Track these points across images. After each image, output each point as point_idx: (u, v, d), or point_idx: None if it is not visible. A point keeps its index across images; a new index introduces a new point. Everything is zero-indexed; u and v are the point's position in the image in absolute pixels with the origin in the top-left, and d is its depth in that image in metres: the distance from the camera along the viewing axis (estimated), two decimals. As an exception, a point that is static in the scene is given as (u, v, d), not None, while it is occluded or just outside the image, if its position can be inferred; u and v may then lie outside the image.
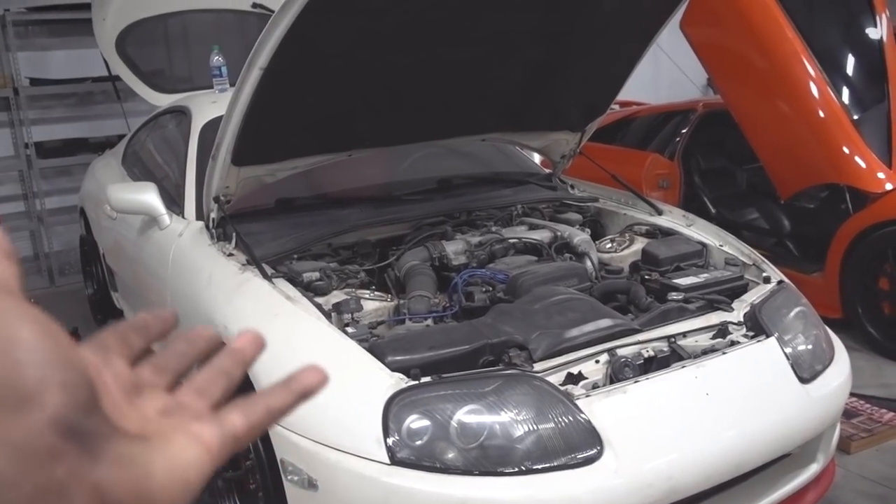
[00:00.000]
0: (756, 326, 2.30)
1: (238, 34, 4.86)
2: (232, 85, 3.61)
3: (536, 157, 3.84)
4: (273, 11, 4.68)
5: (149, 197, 2.99)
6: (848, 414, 3.21)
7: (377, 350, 2.02)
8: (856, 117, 3.91)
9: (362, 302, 2.33)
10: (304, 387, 0.49)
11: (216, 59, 3.66)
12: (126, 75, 4.37)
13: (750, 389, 2.11)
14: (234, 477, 2.49)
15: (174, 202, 3.09)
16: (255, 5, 4.93)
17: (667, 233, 2.93)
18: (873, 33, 4.05)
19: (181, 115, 3.59)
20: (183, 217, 2.99)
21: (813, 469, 2.28)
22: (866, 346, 3.92)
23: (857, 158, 3.84)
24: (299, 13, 2.06)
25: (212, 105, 3.44)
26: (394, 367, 1.96)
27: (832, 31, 4.18)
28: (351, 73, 2.44)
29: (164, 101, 4.18)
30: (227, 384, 0.47)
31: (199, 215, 2.90)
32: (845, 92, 3.99)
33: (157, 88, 4.39)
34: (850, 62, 4.11)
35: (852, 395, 3.28)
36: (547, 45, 2.71)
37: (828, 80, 3.89)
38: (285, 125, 2.53)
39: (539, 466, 1.81)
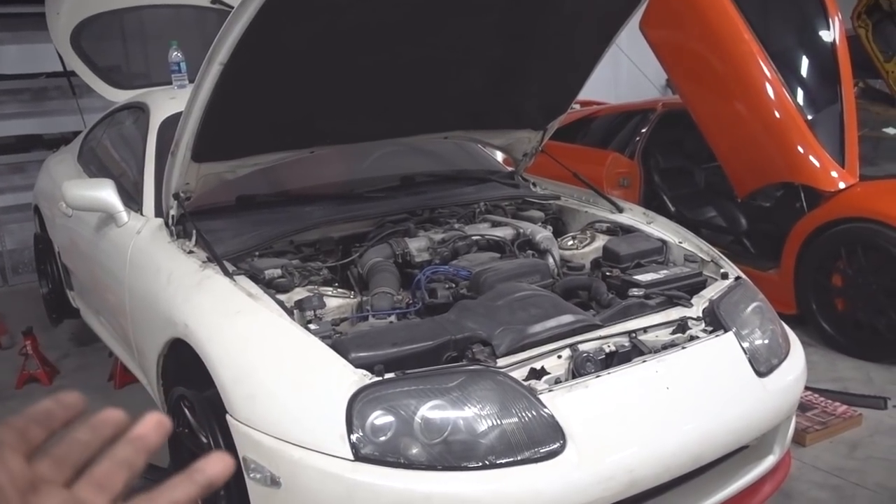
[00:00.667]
0: (714, 321, 2.34)
1: (197, 30, 4.80)
2: (191, 81, 3.57)
3: (499, 156, 3.85)
4: (232, 7, 4.65)
5: (106, 194, 2.94)
6: (803, 407, 3.28)
7: (340, 347, 2.01)
8: (810, 118, 4.00)
9: (325, 299, 2.32)
10: (208, 477, 0.47)
11: (175, 55, 3.61)
12: (82, 71, 4.29)
13: (709, 383, 2.15)
14: (195, 476, 2.47)
15: (132, 199, 3.04)
16: (214, 1, 4.87)
17: (627, 230, 2.96)
18: (826, 36, 4.14)
19: (139, 111, 3.53)
20: (141, 214, 2.94)
21: (769, 461, 2.33)
22: (820, 342, 4.01)
23: (812, 158, 3.93)
24: (259, 9, 2.04)
25: (170, 101, 3.40)
26: (357, 364, 1.95)
27: (787, 34, 4.27)
28: (312, 70, 2.43)
29: (120, 97, 4.11)
30: (128, 475, 0.45)
31: (159, 212, 2.86)
32: (800, 93, 4.08)
33: (113, 84, 4.31)
34: (805, 64, 4.21)
35: (807, 388, 3.36)
36: (508, 45, 2.72)
37: (783, 82, 3.97)
38: (246, 121, 2.50)
39: (503, 461, 1.82)
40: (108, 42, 4.66)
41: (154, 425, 0.47)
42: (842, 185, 3.89)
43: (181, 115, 3.12)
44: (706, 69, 4.22)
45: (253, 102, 2.43)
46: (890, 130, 4.75)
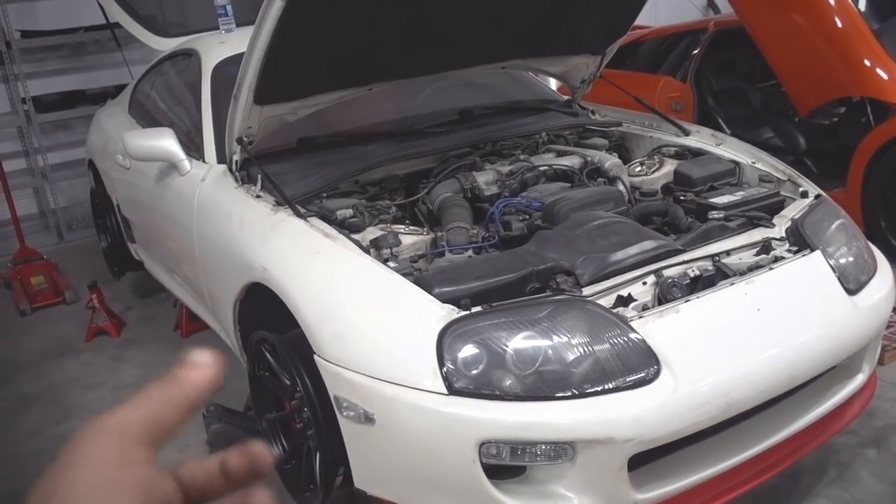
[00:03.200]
0: (799, 241, 2.28)
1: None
2: (243, 24, 3.52)
3: (552, 84, 3.76)
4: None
5: (167, 142, 2.93)
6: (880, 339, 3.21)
7: (424, 283, 2.00)
8: (876, 27, 3.82)
9: (399, 236, 2.30)
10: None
11: (220, -1, 3.54)
12: (126, 21, 4.24)
13: (799, 303, 2.10)
14: (279, 418, 2.50)
15: (191, 147, 3.03)
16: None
17: (696, 153, 2.88)
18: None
19: (188, 58, 3.49)
20: (203, 161, 2.93)
21: (859, 379, 2.29)
22: (890, 259, 3.89)
23: (879, 70, 3.77)
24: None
25: (220, 45, 3.36)
26: (443, 299, 1.94)
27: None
28: (370, 5, 2.36)
29: (165, 45, 4.06)
30: None
31: (220, 158, 2.85)
32: (863, 0, 3.90)
33: (157, 33, 4.26)
34: (869, -31, 4.01)
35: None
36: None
37: (845, -12, 3.80)
38: (306, 60, 2.46)
39: (598, 388, 1.81)
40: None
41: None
42: (912, 97, 3.74)
43: (234, 58, 3.12)
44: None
45: (313, 40, 2.38)
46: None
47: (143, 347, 4.04)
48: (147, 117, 3.80)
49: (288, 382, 2.32)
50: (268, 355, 2.42)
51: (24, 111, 5.88)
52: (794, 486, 2.46)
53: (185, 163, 2.94)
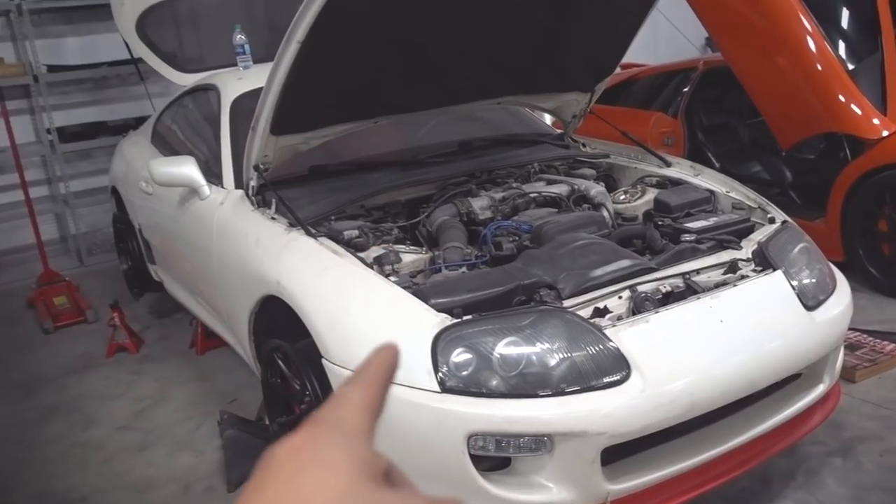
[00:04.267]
0: (763, 262, 2.51)
1: (245, 13, 5.00)
2: (258, 61, 3.81)
3: (547, 119, 4.02)
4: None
5: (189, 169, 3.19)
6: (852, 347, 3.43)
7: (421, 294, 2.23)
8: (851, 68, 4.08)
9: (400, 255, 2.54)
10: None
11: (239, 38, 3.83)
12: (149, 57, 4.54)
13: (760, 317, 2.32)
14: (288, 421, 2.72)
15: (211, 174, 3.29)
16: (266, -16, 5.08)
17: (676, 182, 3.12)
18: (865, -14, 4.21)
19: (209, 92, 3.77)
20: (222, 187, 3.18)
21: (820, 389, 2.50)
22: (868, 286, 4.12)
23: (854, 107, 4.02)
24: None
25: (238, 81, 3.63)
26: (438, 309, 2.17)
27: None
28: (378, 44, 2.63)
29: (186, 80, 4.35)
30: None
31: (238, 184, 3.10)
32: (840, 44, 4.16)
33: (178, 68, 4.56)
34: (844, 15, 4.28)
35: (856, 329, 3.51)
36: (555, 9, 2.89)
37: (823, 34, 4.05)
38: (319, 95, 2.72)
39: (574, 388, 2.03)
40: (166, 29, 4.90)
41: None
42: (885, 133, 3.98)
43: (251, 93, 3.39)
44: (746, 25, 4.31)
45: (326, 77, 2.64)
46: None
47: (160, 363, 4.27)
48: (169, 147, 4.08)
49: (298, 387, 2.55)
50: (280, 363, 2.65)
51: (48, 141, 6.17)
52: (764, 489, 2.66)
53: (206, 188, 3.20)
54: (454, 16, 2.64)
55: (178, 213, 3.47)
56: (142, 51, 4.58)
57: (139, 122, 5.96)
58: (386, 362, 0.50)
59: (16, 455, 3.48)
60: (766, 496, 2.65)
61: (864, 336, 3.56)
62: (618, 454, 2.14)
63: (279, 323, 2.65)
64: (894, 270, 4.03)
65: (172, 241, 3.72)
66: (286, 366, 2.63)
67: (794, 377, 2.48)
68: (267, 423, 3.04)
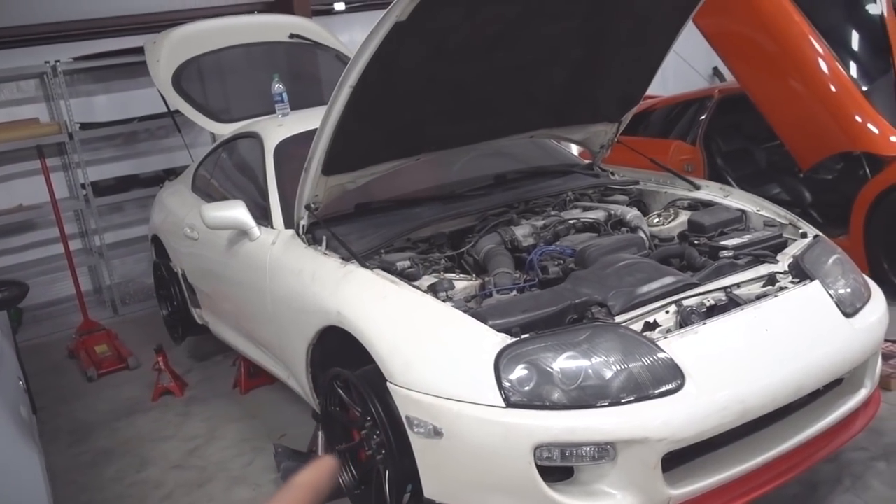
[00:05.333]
0: (800, 274, 2.63)
1: (262, 65, 5.20)
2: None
3: (574, 150, 4.18)
4: (310, 40, 5.06)
5: (240, 213, 3.34)
6: (885, 356, 3.50)
7: (479, 316, 2.35)
8: (865, 88, 4.23)
9: (453, 282, 2.67)
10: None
11: (277, 87, 4.01)
12: (186, 110, 4.73)
13: (802, 324, 2.43)
14: (348, 448, 2.83)
15: (260, 216, 3.43)
16: (292, 36, 5.30)
17: (707, 204, 3.25)
18: (874, 9, 4.37)
19: (251, 139, 3.94)
20: (272, 227, 3.33)
21: (862, 394, 2.59)
22: (894, 298, 4.20)
23: (870, 125, 4.16)
24: (384, 37, 2.41)
25: (279, 128, 3.80)
26: (497, 329, 2.29)
27: (835, 11, 4.50)
28: (423, 86, 2.79)
29: (225, 129, 4.53)
30: None
31: (288, 224, 3.25)
32: (852, 66, 4.31)
33: (214, 119, 4.75)
34: (855, 38, 4.44)
35: (887, 340, 3.58)
36: (587, 45, 3.05)
37: (836, 56, 4.21)
38: (367, 136, 2.87)
39: (632, 398, 2.14)
40: (200, 82, 5.11)
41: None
42: (902, 149, 4.11)
43: (292, 138, 3.56)
44: (760, 52, 4.47)
45: (374, 119, 2.80)
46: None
47: (206, 403, 4.39)
48: (212, 193, 4.24)
49: (359, 413, 2.66)
50: (339, 390, 2.77)
51: (83, 196, 6.37)
52: (811, 494, 2.74)
53: (256, 230, 3.35)
54: (494, 56, 2.80)
55: (227, 256, 3.61)
56: (179, 104, 4.77)
57: (169, 173, 6.17)
58: (321, 472, 0.59)
59: (75, 496, 3.59)
60: (815, 500, 2.72)
61: (895, 346, 3.64)
62: (676, 461, 2.23)
63: (337, 354, 2.77)
64: (919, 282, 4.13)
65: (220, 283, 3.86)
66: (346, 393, 2.74)
67: (837, 383, 2.58)
68: (319, 454, 3.15)
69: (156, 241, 4.96)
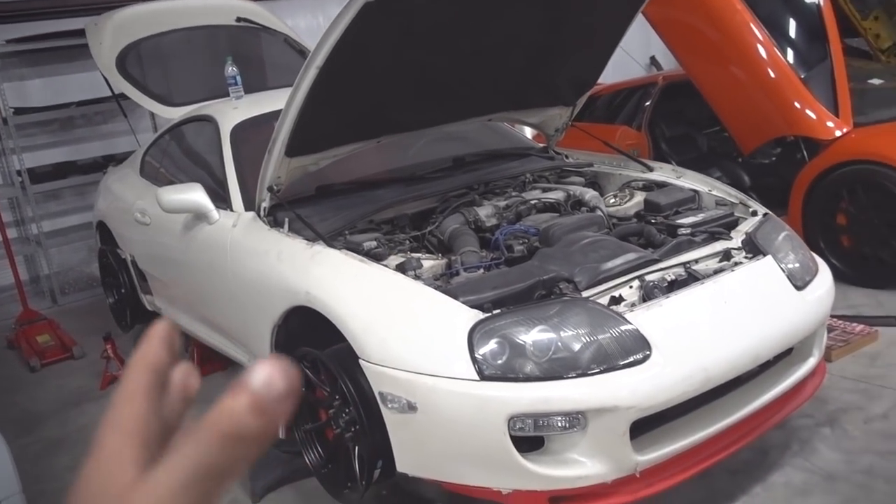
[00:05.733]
0: (753, 249, 2.75)
1: (208, 48, 5.12)
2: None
3: (527, 132, 4.25)
4: (257, 24, 5.00)
5: (198, 195, 3.30)
6: (828, 330, 3.68)
7: (450, 293, 2.39)
8: (803, 75, 4.41)
9: (420, 261, 2.70)
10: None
11: (231, 70, 3.96)
12: (133, 93, 4.62)
13: (758, 297, 2.55)
14: (315, 428, 2.84)
15: (218, 199, 3.39)
16: (239, 19, 5.23)
17: (661, 185, 3.36)
18: (811, -1, 4.56)
19: (205, 123, 3.88)
20: (230, 210, 3.30)
21: (810, 362, 2.73)
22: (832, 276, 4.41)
23: (808, 111, 4.34)
24: (353, 17, 2.41)
25: (234, 111, 3.76)
26: (468, 305, 2.34)
27: (775, 0, 4.68)
28: (389, 68, 2.81)
29: (174, 113, 4.45)
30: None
31: (248, 207, 3.23)
32: (791, 53, 4.49)
33: (162, 103, 4.65)
34: (794, 26, 4.62)
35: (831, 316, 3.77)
36: (545, 30, 3.11)
37: (775, 44, 4.38)
38: (331, 118, 2.87)
39: (601, 368, 2.21)
40: (145, 65, 5.00)
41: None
42: (838, 133, 4.30)
43: (248, 121, 3.53)
44: (704, 40, 4.62)
45: (339, 100, 2.80)
46: (875, 81, 5.17)
47: (159, 391, 4.32)
48: (163, 178, 4.16)
49: (326, 392, 2.68)
50: (306, 371, 2.78)
51: (19, 183, 6.16)
52: (762, 459, 2.88)
53: (215, 213, 3.31)
54: (460, 39, 2.83)
55: (183, 241, 3.57)
56: (125, 87, 4.66)
57: (108, 159, 6.03)
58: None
59: (28, 486, 3.49)
60: (766, 465, 2.86)
61: (835, 320, 3.82)
62: (642, 428, 2.32)
63: (301, 335, 2.78)
64: (854, 260, 4.33)
65: (175, 268, 3.81)
66: (313, 373, 2.75)
67: (786, 353, 2.71)
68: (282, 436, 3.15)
69: (101, 227, 4.84)
